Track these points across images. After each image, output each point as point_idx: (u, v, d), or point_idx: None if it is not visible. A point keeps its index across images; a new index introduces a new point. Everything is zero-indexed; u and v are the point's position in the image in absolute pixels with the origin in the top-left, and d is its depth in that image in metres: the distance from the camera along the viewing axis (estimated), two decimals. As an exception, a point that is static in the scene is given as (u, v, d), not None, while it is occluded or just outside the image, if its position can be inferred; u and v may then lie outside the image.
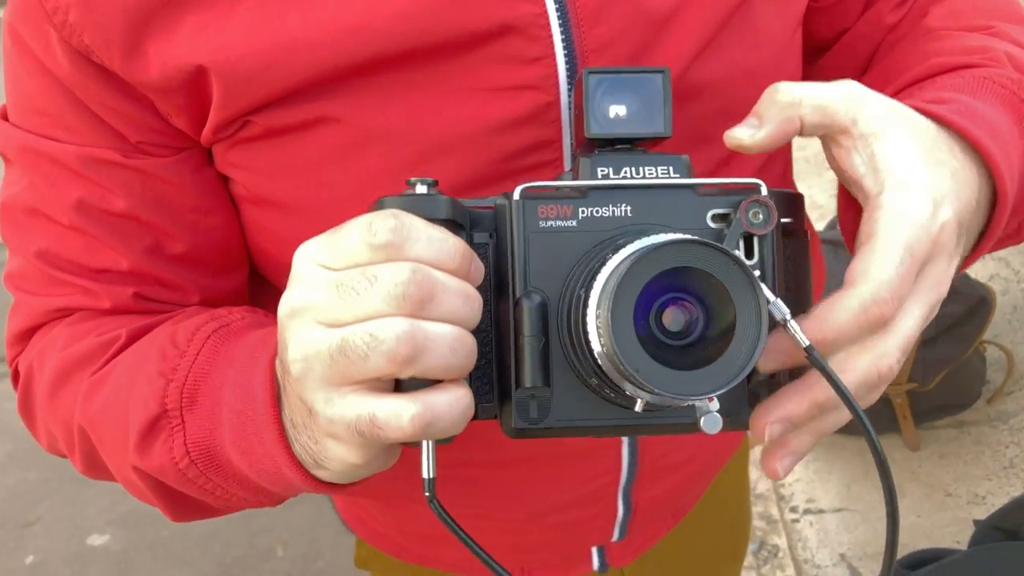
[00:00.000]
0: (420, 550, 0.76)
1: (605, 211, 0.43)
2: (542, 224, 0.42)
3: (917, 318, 0.43)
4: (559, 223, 0.43)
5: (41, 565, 2.17)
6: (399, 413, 0.38)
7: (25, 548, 2.23)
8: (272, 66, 0.49)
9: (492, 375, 0.44)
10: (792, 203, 0.47)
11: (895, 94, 0.52)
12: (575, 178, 0.45)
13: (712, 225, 0.43)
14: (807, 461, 1.92)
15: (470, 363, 0.40)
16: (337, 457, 0.43)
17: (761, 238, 0.43)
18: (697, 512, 0.79)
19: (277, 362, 0.45)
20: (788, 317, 0.41)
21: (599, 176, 0.43)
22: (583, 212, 0.43)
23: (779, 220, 0.43)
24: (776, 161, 0.63)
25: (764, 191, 0.43)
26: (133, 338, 0.54)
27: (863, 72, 0.63)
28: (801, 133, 0.45)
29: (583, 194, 0.43)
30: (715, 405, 0.39)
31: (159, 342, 0.52)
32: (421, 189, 0.42)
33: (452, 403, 0.39)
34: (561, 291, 0.42)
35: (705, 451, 0.72)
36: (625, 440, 0.65)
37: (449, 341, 0.39)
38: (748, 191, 0.43)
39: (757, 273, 0.42)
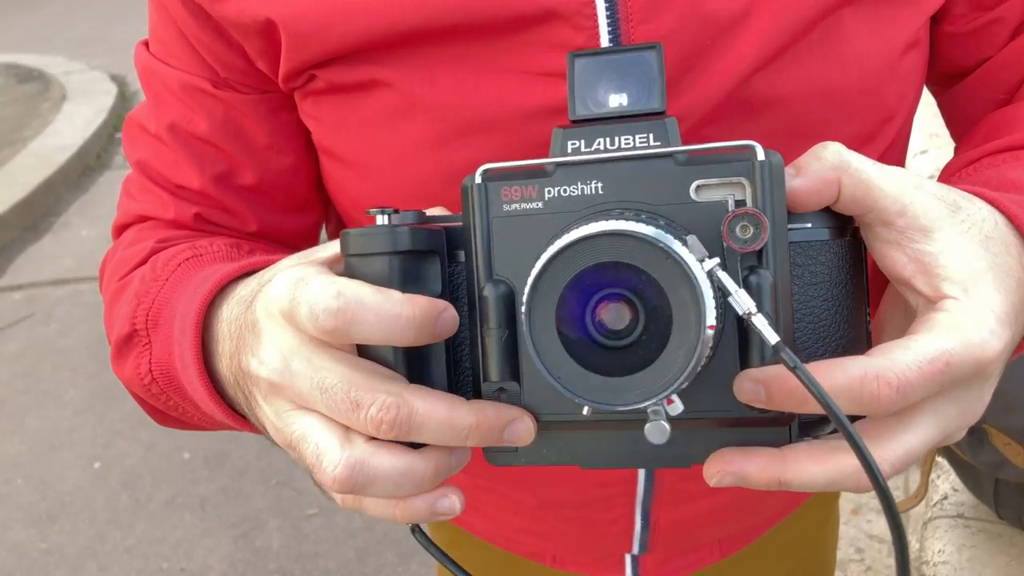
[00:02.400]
0: None
1: (573, 190, 0.38)
2: (506, 207, 0.39)
3: (926, 435, 0.38)
4: (524, 205, 0.39)
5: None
6: (332, 464, 0.39)
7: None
8: (329, 25, 0.51)
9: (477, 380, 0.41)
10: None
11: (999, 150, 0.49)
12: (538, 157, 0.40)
13: (696, 199, 0.37)
14: (961, 546, 1.72)
15: (419, 490, 0.40)
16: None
17: (758, 254, 0.36)
18: (759, 550, 0.73)
19: (230, 342, 0.46)
20: (753, 310, 0.34)
21: (569, 151, 0.39)
22: (549, 192, 0.39)
23: (771, 229, 0.37)
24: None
25: (760, 154, 0.37)
26: (155, 251, 0.60)
27: (1004, 104, 0.58)
28: (835, 204, 0.40)
29: (549, 172, 0.39)
30: (675, 408, 0.35)
31: (146, 266, 0.58)
32: (381, 220, 0.40)
33: (384, 512, 0.41)
34: (528, 279, 0.38)
35: (730, 488, 0.66)
36: None
37: (394, 477, 0.39)
38: (739, 155, 0.37)
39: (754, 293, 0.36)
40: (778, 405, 0.37)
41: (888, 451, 0.37)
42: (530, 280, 0.35)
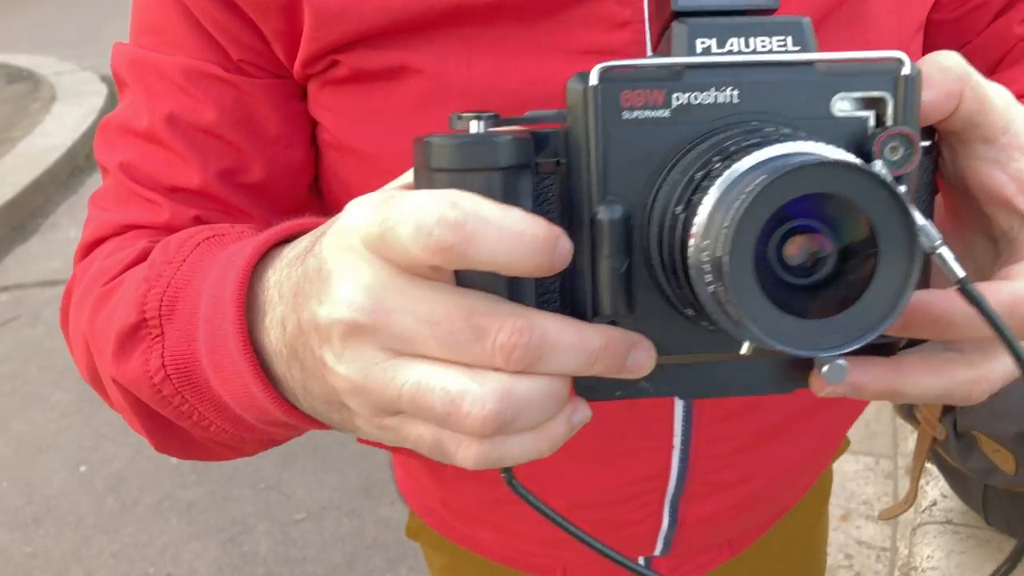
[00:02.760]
0: (462, 528, 0.75)
1: (706, 97, 0.34)
2: (626, 115, 0.34)
3: None
4: (647, 113, 0.34)
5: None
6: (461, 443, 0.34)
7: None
8: (362, 3, 0.49)
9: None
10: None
11: None
12: (666, 54, 0.35)
13: (837, 113, 0.34)
14: (950, 552, 1.72)
15: (559, 411, 0.35)
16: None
17: (903, 178, 0.34)
18: (756, 552, 0.73)
19: (290, 320, 0.39)
20: (938, 244, 0.32)
21: (698, 50, 0.34)
22: (678, 99, 0.34)
23: (922, 148, 0.35)
24: None
25: (907, 67, 0.34)
26: (150, 251, 0.53)
27: None
28: (947, 118, 0.38)
29: (677, 75, 0.34)
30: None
31: (154, 252, 0.51)
32: (476, 127, 0.34)
33: (527, 448, 0.35)
34: (649, 201, 0.34)
35: (763, 473, 0.67)
36: (676, 448, 0.61)
37: (540, 402, 0.33)
38: (884, 67, 0.34)
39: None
40: (913, 332, 0.37)
41: None
42: (725, 217, 0.29)
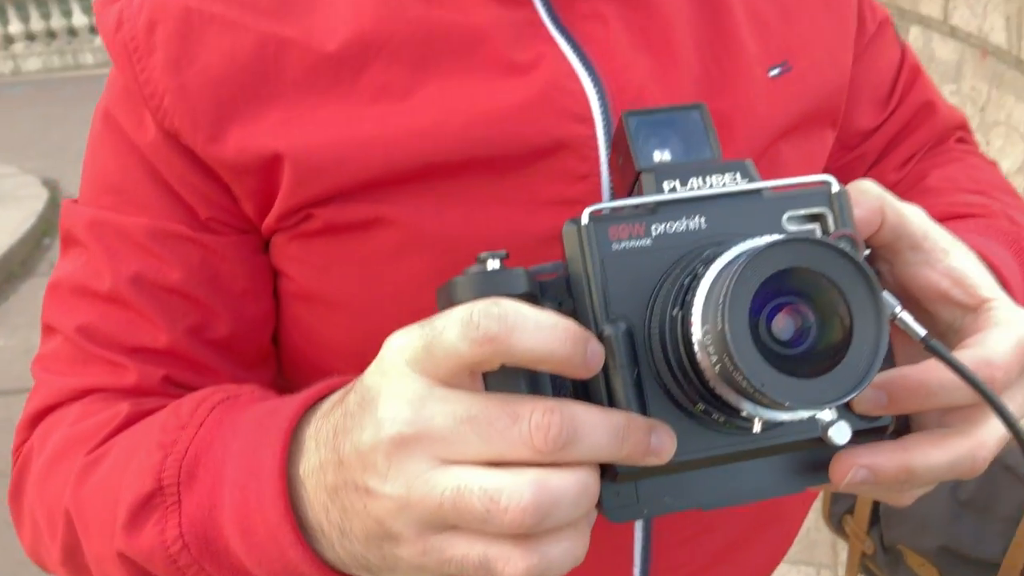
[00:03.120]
0: None
1: (679, 225, 0.40)
2: (615, 246, 0.39)
3: (1015, 411, 0.42)
4: (633, 243, 0.40)
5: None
6: (508, 557, 0.36)
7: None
8: (345, 160, 0.52)
9: None
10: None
11: None
12: (638, 196, 0.42)
13: (789, 228, 0.41)
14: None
15: (590, 508, 0.37)
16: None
17: None
18: None
19: (320, 454, 0.41)
20: (898, 310, 0.39)
21: (666, 190, 0.41)
22: (656, 229, 0.40)
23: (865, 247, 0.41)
24: None
25: (835, 187, 0.41)
26: (135, 416, 0.52)
27: None
28: (876, 233, 0.45)
29: (653, 210, 0.40)
30: (835, 414, 0.37)
31: (161, 415, 0.50)
32: (493, 265, 0.38)
33: (568, 550, 0.37)
34: (645, 316, 0.39)
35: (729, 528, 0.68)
36: (638, 533, 0.61)
37: (574, 494, 0.35)
38: (818, 190, 0.41)
39: None
40: (898, 407, 0.41)
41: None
42: (720, 294, 0.34)
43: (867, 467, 0.41)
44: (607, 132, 0.54)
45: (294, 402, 0.45)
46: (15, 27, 9.75)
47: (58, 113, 7.91)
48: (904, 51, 0.74)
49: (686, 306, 0.36)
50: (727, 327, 0.33)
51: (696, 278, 0.37)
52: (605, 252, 0.39)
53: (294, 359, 0.62)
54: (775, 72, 0.60)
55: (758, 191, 0.41)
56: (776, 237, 0.35)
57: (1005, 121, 2.32)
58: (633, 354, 0.38)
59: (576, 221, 0.40)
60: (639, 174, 0.42)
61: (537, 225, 0.53)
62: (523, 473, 0.35)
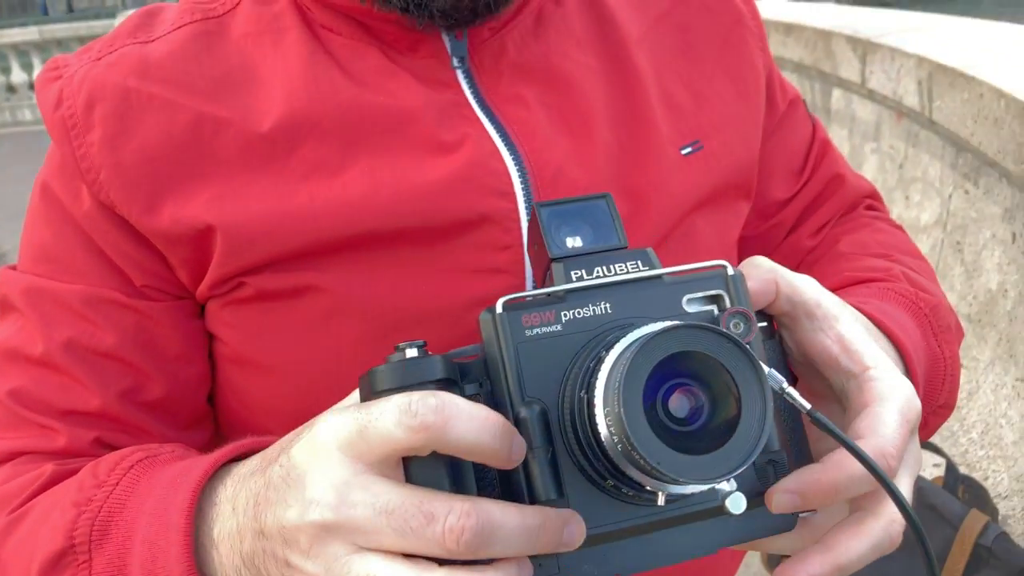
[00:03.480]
0: None
1: (586, 311, 0.43)
2: (528, 332, 0.42)
3: (908, 488, 0.46)
4: (545, 329, 0.42)
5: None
6: None
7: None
8: (275, 231, 0.54)
9: None
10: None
11: None
12: (549, 286, 0.45)
13: (688, 310, 0.44)
14: None
15: None
16: None
17: (751, 344, 0.42)
18: None
19: (243, 528, 0.42)
20: (785, 386, 0.41)
21: (574, 279, 0.44)
22: (566, 315, 0.42)
23: (757, 323, 0.43)
24: None
25: (730, 270, 0.45)
26: (59, 476, 0.53)
27: None
28: (772, 303, 0.48)
29: (562, 298, 0.43)
30: (734, 485, 0.39)
31: (81, 475, 0.51)
32: (411, 353, 0.41)
33: None
34: (558, 397, 0.41)
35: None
36: None
37: None
38: (715, 273, 0.45)
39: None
40: (813, 504, 0.43)
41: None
42: (617, 378, 0.37)
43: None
44: (528, 206, 0.58)
45: (204, 462, 0.46)
46: (-49, 83, 9.62)
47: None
48: (815, 127, 0.80)
49: (591, 389, 0.39)
50: (622, 409, 0.36)
51: (599, 362, 0.39)
52: (519, 338, 0.42)
53: (229, 419, 0.64)
54: (687, 151, 0.65)
55: (659, 276, 0.44)
56: (667, 324, 0.38)
57: (922, 177, 2.45)
58: (548, 434, 0.41)
59: (491, 310, 0.42)
60: (551, 262, 0.45)
61: (464, 292, 0.56)
62: (430, 570, 0.37)
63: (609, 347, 0.40)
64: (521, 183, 0.58)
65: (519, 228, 0.57)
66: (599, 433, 0.38)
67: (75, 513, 0.48)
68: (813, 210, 0.78)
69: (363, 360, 0.54)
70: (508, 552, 0.38)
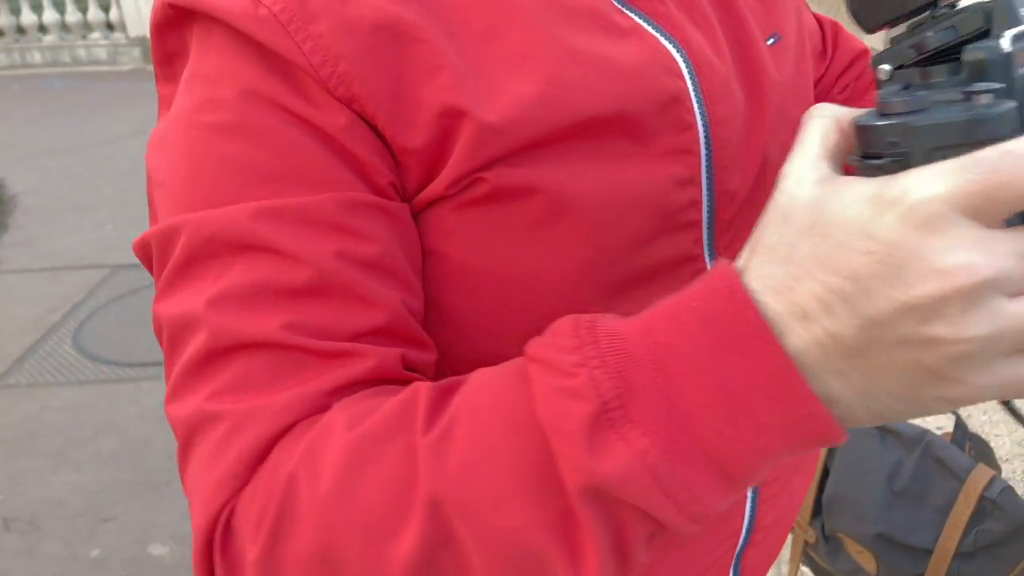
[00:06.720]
0: None
1: None
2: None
3: None
4: None
5: (102, 561, 2.33)
6: None
7: (95, 542, 2.42)
8: (522, 120, 0.52)
9: None
10: None
11: None
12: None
13: None
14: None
15: None
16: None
17: None
18: None
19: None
20: None
21: None
22: None
23: None
24: None
25: None
26: (442, 390, 0.46)
27: None
28: None
29: None
30: None
31: (513, 366, 0.44)
32: (986, 100, 0.36)
33: None
34: None
35: (787, 510, 0.74)
36: (748, 500, 0.66)
37: None
38: None
39: None
40: None
41: None
42: None
43: None
44: (695, 88, 0.59)
45: (721, 291, 0.40)
46: (-40, 23, 9.53)
47: (3, 111, 7.73)
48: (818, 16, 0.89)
49: None
50: None
51: None
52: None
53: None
54: (771, 42, 0.68)
55: None
56: None
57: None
58: None
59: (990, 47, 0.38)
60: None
61: (656, 177, 0.57)
62: None
63: None
64: (686, 67, 0.60)
65: (693, 107, 0.59)
66: None
67: (586, 374, 0.40)
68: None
69: (583, 268, 0.55)
70: None
